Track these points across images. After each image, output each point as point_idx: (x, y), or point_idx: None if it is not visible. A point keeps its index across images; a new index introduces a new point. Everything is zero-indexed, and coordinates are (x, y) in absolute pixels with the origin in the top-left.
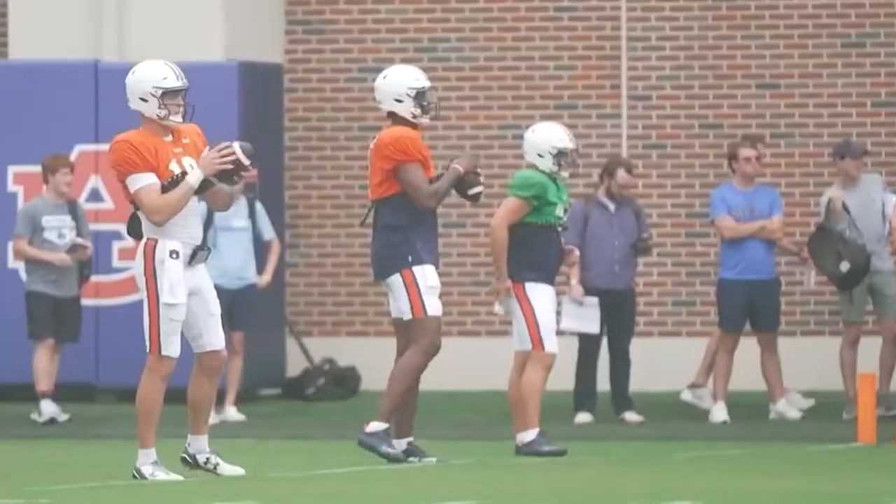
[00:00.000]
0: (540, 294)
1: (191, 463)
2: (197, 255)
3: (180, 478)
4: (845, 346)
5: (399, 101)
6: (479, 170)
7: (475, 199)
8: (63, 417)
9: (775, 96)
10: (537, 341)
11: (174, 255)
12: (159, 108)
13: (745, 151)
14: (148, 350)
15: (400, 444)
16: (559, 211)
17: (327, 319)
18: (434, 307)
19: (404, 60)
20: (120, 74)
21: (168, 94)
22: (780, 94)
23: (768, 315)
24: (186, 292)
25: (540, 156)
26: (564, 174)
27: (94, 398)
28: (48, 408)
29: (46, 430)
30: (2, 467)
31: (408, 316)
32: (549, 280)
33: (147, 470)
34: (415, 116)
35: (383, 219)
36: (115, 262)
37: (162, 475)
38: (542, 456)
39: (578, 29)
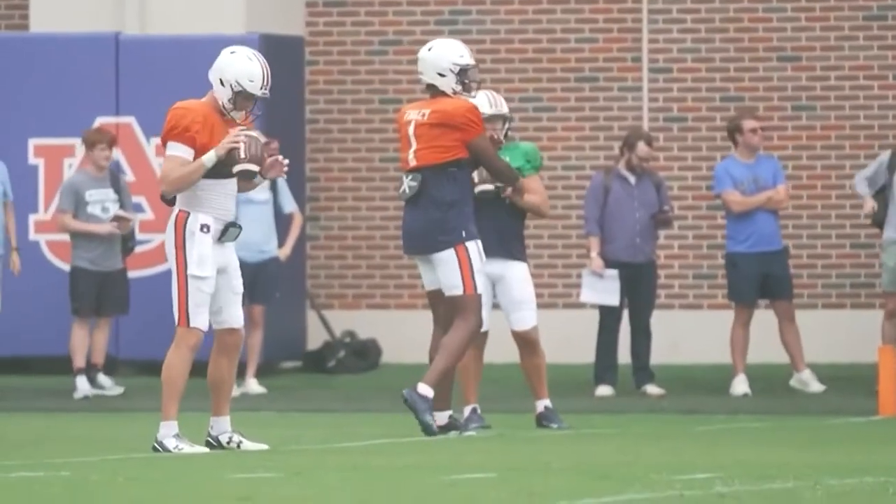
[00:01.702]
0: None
1: (214, 445)
2: (228, 231)
3: (205, 450)
4: (886, 319)
5: (442, 75)
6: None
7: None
8: (116, 391)
9: (797, 69)
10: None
11: (205, 229)
12: (229, 100)
13: (749, 123)
14: (176, 322)
15: (441, 417)
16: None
17: (348, 292)
18: (481, 285)
19: (425, 33)
20: (141, 47)
21: (244, 94)
22: (801, 66)
23: (783, 285)
24: (215, 267)
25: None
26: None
27: (115, 371)
28: (83, 384)
29: (67, 403)
30: (23, 440)
31: (457, 291)
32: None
33: (170, 443)
34: (455, 92)
35: (435, 190)
36: (137, 235)
37: (186, 447)
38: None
39: (599, 2)
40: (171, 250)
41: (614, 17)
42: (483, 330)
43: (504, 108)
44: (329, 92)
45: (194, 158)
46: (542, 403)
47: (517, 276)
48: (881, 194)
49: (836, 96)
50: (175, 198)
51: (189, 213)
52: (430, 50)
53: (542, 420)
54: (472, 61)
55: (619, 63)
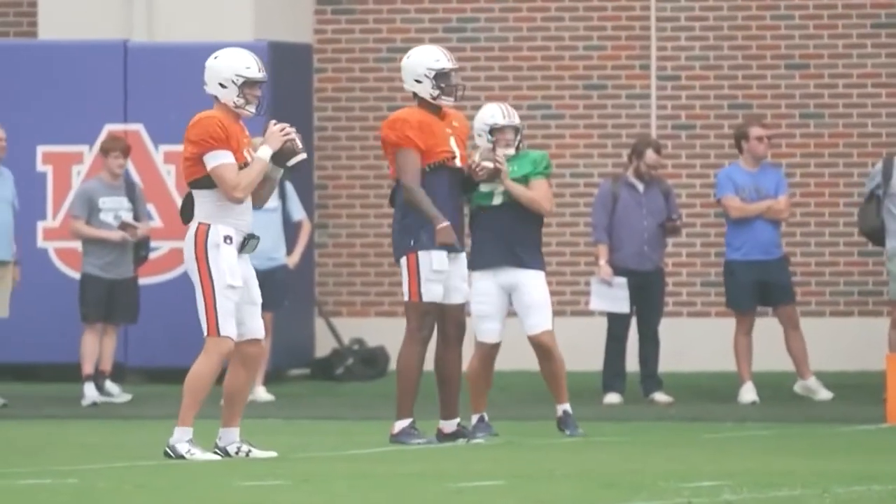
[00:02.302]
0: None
1: (222, 456)
2: (248, 243)
3: (216, 457)
4: (893, 327)
5: (418, 81)
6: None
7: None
8: (124, 398)
9: (804, 77)
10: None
11: (228, 241)
12: (238, 96)
13: (756, 130)
14: (206, 333)
15: (449, 426)
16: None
17: (356, 300)
18: (432, 293)
19: (433, 41)
20: (149, 54)
21: (248, 83)
22: (809, 74)
23: (782, 291)
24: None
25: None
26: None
27: (123, 378)
28: (90, 391)
29: (74, 410)
30: (31, 446)
31: (405, 297)
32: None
33: (182, 447)
34: (434, 98)
35: (396, 199)
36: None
37: (198, 453)
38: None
39: (608, 9)
40: (192, 263)
41: (622, 24)
42: (494, 342)
43: (516, 119)
44: (337, 99)
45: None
46: (561, 408)
47: (530, 282)
48: (871, 203)
49: (843, 104)
50: (192, 214)
51: (209, 226)
52: (408, 58)
53: (559, 425)
54: (449, 65)
55: (628, 71)
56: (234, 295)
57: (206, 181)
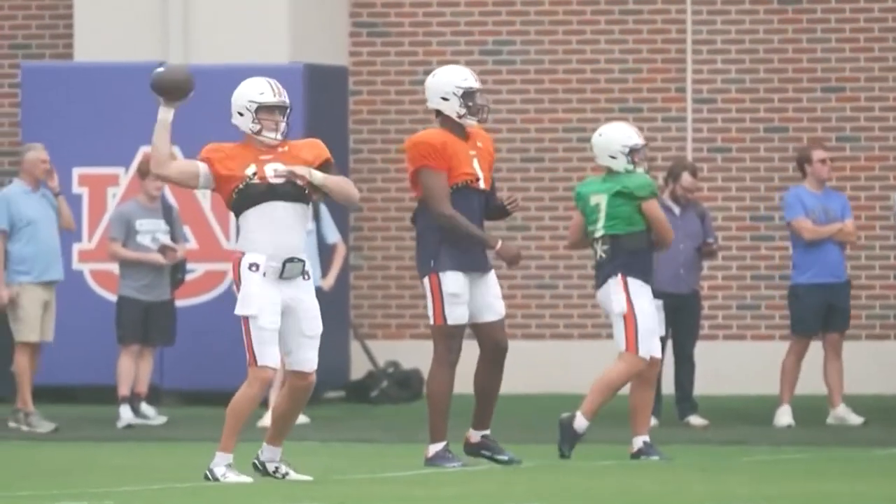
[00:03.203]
0: (641, 297)
1: (260, 470)
2: (287, 267)
3: (249, 479)
4: None
5: (445, 99)
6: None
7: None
8: (159, 420)
9: (841, 100)
10: (632, 343)
11: (253, 268)
12: (252, 122)
13: (819, 153)
14: (248, 362)
15: (475, 436)
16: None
17: (391, 322)
18: (456, 316)
19: (469, 63)
20: None
21: (262, 109)
22: (845, 97)
23: (842, 317)
24: (272, 303)
25: (612, 157)
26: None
27: (159, 401)
28: (126, 413)
29: (110, 432)
30: (67, 468)
31: (430, 321)
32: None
33: (219, 471)
34: (459, 116)
35: (418, 219)
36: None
37: (233, 477)
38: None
39: (644, 32)
40: (236, 291)
41: (658, 47)
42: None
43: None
44: (373, 122)
45: (216, 188)
46: (641, 439)
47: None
48: None
49: (880, 127)
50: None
51: (243, 254)
52: (434, 76)
53: (639, 455)
54: (476, 84)
55: (663, 94)
56: (262, 323)
57: (235, 207)
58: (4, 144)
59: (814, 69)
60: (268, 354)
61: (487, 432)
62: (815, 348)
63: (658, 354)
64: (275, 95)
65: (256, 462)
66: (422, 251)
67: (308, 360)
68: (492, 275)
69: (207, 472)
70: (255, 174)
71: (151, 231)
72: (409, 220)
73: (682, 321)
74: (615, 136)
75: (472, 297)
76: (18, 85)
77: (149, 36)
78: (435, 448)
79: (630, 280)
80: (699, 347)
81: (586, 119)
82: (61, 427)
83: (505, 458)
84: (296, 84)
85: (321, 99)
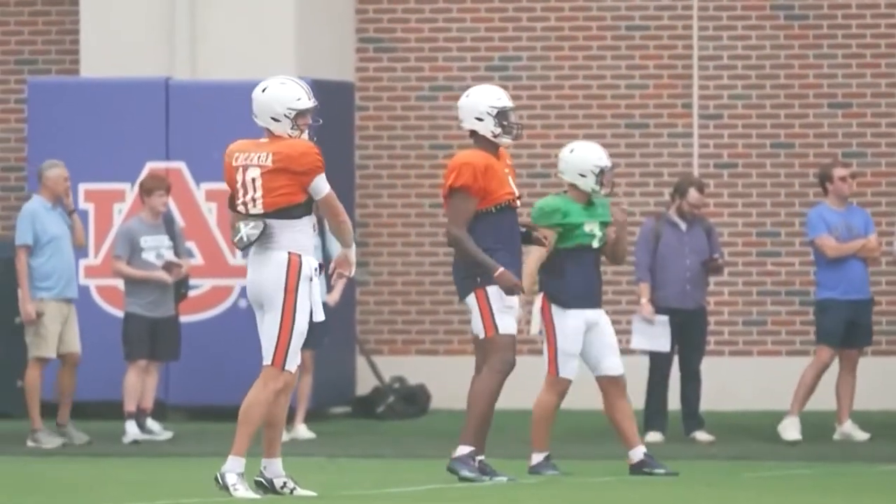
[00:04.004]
0: (564, 318)
1: (266, 487)
2: (318, 274)
3: (257, 497)
4: None
5: (480, 119)
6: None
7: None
8: (165, 436)
9: (847, 115)
10: (552, 365)
11: (317, 272)
12: (291, 128)
13: (840, 171)
14: (269, 362)
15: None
16: (590, 229)
17: (397, 338)
18: (506, 325)
19: (475, 79)
20: (191, 92)
21: (301, 114)
22: (851, 113)
23: (865, 333)
24: None
25: (582, 175)
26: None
27: (164, 416)
28: (132, 429)
29: (116, 447)
30: (73, 484)
31: (482, 335)
32: (586, 302)
33: (231, 479)
34: (495, 136)
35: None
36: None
37: (242, 491)
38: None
39: (650, 48)
40: (279, 293)
41: (665, 63)
42: (574, 378)
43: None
44: (379, 137)
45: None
46: (641, 451)
47: (607, 322)
48: None
49: (886, 143)
50: (272, 240)
51: (301, 257)
52: (467, 96)
53: (643, 467)
54: (510, 104)
55: (670, 109)
56: (306, 332)
57: (296, 210)
58: (11, 160)
59: (820, 85)
60: (294, 363)
61: (483, 457)
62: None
63: (573, 376)
64: (310, 99)
65: (262, 479)
66: (466, 268)
67: (297, 363)
68: (516, 298)
69: (218, 477)
70: None
71: (156, 247)
72: (447, 243)
73: (689, 337)
74: (588, 156)
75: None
76: (25, 101)
77: (155, 52)
78: (462, 450)
79: (552, 304)
80: (705, 363)
81: (592, 135)
82: (68, 443)
83: (504, 479)
84: None
85: (327, 115)
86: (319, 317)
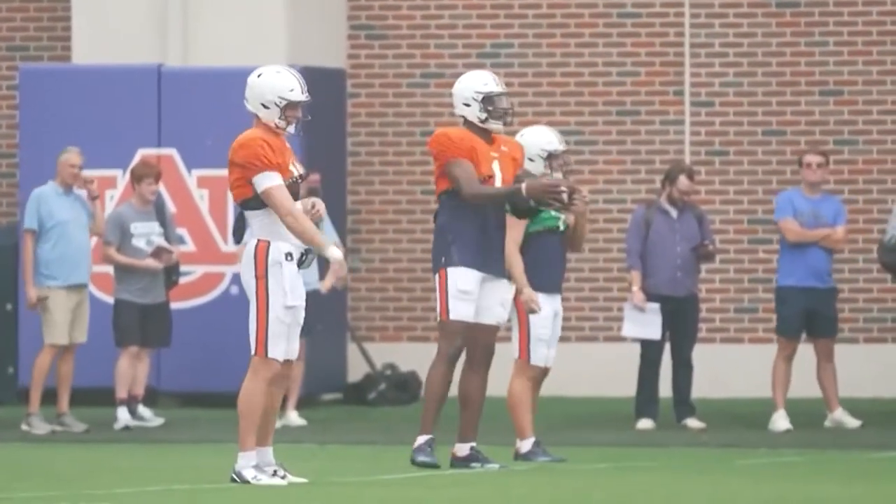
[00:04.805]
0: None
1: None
2: (305, 259)
3: (282, 482)
4: None
5: (467, 105)
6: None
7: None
8: (156, 422)
9: (839, 103)
10: (524, 351)
11: (289, 258)
12: (279, 118)
13: (809, 157)
14: (253, 352)
15: (462, 449)
16: (555, 212)
17: (389, 325)
18: (458, 311)
19: (466, 66)
20: (183, 79)
21: (291, 105)
22: (843, 100)
23: (827, 324)
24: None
25: (530, 160)
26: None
27: (156, 403)
28: (123, 415)
29: (107, 434)
30: (65, 471)
31: (438, 317)
32: (553, 287)
33: (248, 473)
34: (482, 121)
35: (439, 216)
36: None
37: (265, 479)
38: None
39: (642, 35)
40: (250, 281)
41: (656, 50)
42: (548, 366)
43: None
44: (370, 124)
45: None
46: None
47: (560, 312)
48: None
49: (878, 130)
50: (243, 233)
51: (269, 243)
52: (459, 82)
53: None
54: (497, 89)
55: (661, 96)
56: (287, 317)
57: (258, 201)
58: (2, 147)
59: (812, 72)
60: (278, 348)
61: (475, 444)
62: (811, 350)
63: (543, 363)
64: (303, 92)
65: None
66: (435, 248)
67: (296, 348)
68: (504, 283)
69: (234, 476)
70: (300, 176)
71: (146, 234)
72: (434, 217)
73: (680, 324)
74: (535, 140)
75: (478, 297)
76: (16, 87)
77: (147, 38)
78: (420, 440)
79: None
80: (697, 350)
81: (584, 122)
82: (66, 430)
83: (496, 467)
84: None
85: (319, 101)
86: (291, 301)
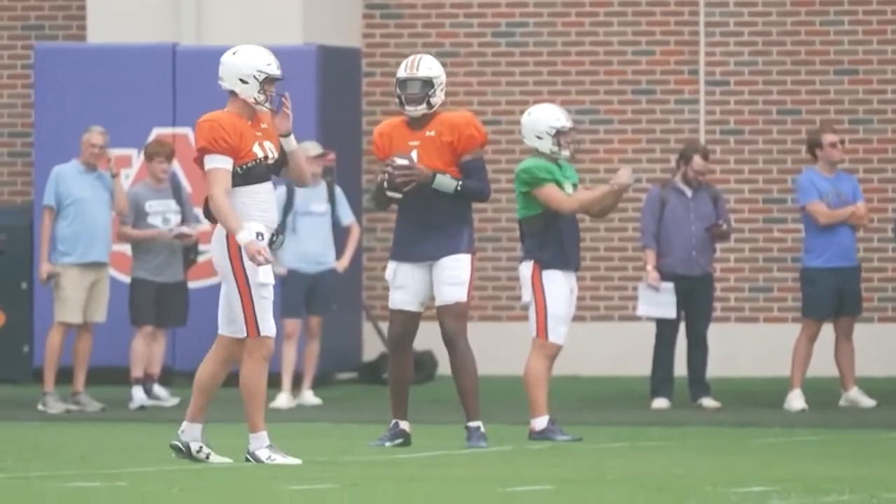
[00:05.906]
0: (553, 282)
1: (181, 451)
2: (275, 240)
3: (297, 461)
4: None
5: (539, 137)
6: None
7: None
8: (172, 401)
9: (853, 82)
10: (542, 330)
11: (260, 237)
12: (258, 92)
13: (829, 137)
14: (245, 333)
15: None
16: (568, 189)
17: None
18: (394, 301)
19: (482, 45)
20: (198, 58)
21: (269, 80)
22: (858, 80)
23: (854, 301)
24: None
25: (539, 137)
26: (566, 153)
27: (171, 382)
28: (139, 394)
29: (122, 413)
30: (80, 449)
31: None
32: (568, 265)
33: (263, 454)
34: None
35: None
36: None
37: (280, 458)
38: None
39: (657, 14)
40: (224, 263)
41: (671, 29)
42: (553, 342)
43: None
44: (385, 103)
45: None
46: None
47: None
48: None
49: (892, 109)
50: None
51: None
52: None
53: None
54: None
55: (676, 76)
56: (268, 293)
57: (235, 181)
58: (17, 126)
59: (827, 51)
60: (269, 323)
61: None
62: (827, 330)
63: (562, 341)
64: (278, 68)
65: (178, 443)
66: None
67: (272, 325)
68: (447, 261)
69: (249, 456)
70: (266, 157)
71: (161, 212)
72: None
73: (695, 303)
74: (542, 117)
75: (421, 284)
76: (31, 66)
77: (161, 17)
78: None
79: (541, 268)
80: (712, 330)
81: (599, 101)
82: (81, 409)
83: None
84: (309, 65)
85: (334, 80)
86: (263, 279)
